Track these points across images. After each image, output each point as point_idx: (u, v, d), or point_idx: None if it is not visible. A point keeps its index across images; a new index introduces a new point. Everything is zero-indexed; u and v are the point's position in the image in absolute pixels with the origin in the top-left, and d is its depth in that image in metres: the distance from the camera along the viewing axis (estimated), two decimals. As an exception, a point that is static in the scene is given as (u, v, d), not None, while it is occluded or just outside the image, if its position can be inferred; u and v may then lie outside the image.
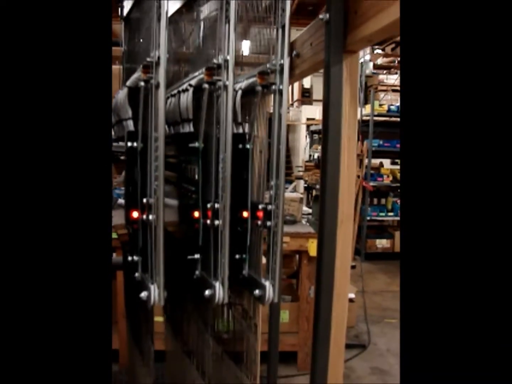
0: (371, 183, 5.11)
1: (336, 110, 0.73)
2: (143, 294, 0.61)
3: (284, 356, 2.53)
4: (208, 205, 0.62)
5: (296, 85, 8.68)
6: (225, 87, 0.68)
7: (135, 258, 0.68)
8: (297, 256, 3.48)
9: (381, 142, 5.15)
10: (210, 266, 0.64)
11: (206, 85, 0.68)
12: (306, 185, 6.57)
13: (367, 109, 5.19)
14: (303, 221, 2.69)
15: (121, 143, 1.16)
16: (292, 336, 2.73)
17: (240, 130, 0.68)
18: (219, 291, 0.61)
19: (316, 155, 6.73)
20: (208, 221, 0.63)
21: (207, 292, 0.61)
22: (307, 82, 9.07)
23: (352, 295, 3.41)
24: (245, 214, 0.66)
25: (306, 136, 7.82)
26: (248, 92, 0.72)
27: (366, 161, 5.05)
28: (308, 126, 7.61)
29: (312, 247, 2.43)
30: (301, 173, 6.58)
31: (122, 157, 1.04)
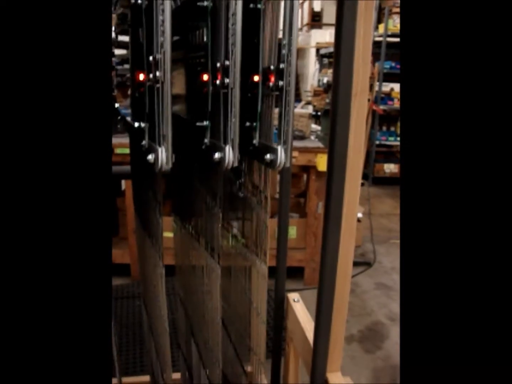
0: (381, 107, 5.01)
1: (349, 28, 0.67)
2: (150, 157, 0.59)
3: (291, 272, 2.58)
4: (218, 64, 0.59)
5: (306, 8, 8.35)
6: None
7: (142, 125, 0.66)
8: (305, 176, 3.48)
9: (393, 64, 5.01)
10: (219, 132, 0.62)
11: None
12: (314, 112, 6.46)
13: (380, 30, 5.00)
14: (312, 137, 2.65)
15: (125, 66, 1.11)
16: (299, 252, 2.77)
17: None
18: (228, 153, 0.59)
19: (325, 80, 6.57)
20: (218, 82, 0.60)
21: (216, 155, 0.59)
22: (317, 5, 8.71)
23: (359, 215, 3.44)
24: (256, 78, 0.63)
25: (315, 62, 7.60)
26: None
27: (377, 84, 4.93)
28: (317, 51, 7.38)
29: (320, 162, 2.40)
30: (309, 98, 6.46)
31: (127, 83, 1.01)
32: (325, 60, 7.03)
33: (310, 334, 0.99)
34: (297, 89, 8.06)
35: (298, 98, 6.46)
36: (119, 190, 3.25)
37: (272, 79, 0.60)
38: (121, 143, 2.54)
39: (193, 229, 0.84)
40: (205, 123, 0.65)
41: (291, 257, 2.67)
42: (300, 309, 1.11)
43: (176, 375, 1.20)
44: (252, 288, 0.77)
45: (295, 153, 2.38)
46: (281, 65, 0.58)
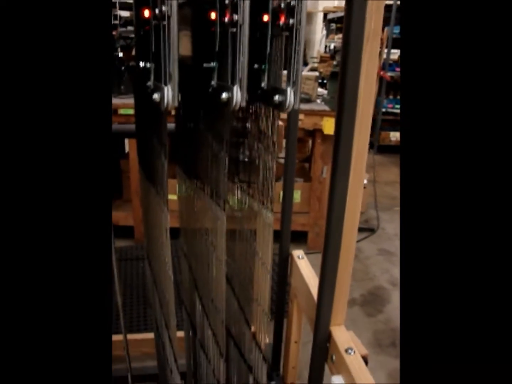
0: (389, 74, 4.93)
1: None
2: (156, 96, 0.57)
3: (295, 236, 2.58)
4: (226, 1, 0.57)
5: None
6: None
7: (148, 65, 0.64)
8: (310, 141, 3.45)
9: (402, 30, 4.89)
10: (227, 74, 0.60)
11: None
12: (321, 80, 6.36)
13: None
14: (318, 101, 2.61)
15: (129, 28, 1.08)
16: (303, 216, 2.76)
17: None
18: (236, 93, 0.57)
19: (332, 46, 6.46)
20: (226, 20, 0.57)
21: (223, 95, 0.58)
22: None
23: (364, 182, 3.42)
24: (265, 17, 0.60)
25: (322, 28, 7.46)
26: None
27: (385, 51, 4.84)
28: (325, 16, 7.23)
29: (326, 125, 2.38)
30: (316, 65, 6.36)
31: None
32: (333, 26, 6.90)
33: (314, 290, 0.99)
34: (304, 55, 7.93)
35: (304, 63, 6.36)
36: (123, 152, 3.24)
37: (283, 18, 0.58)
38: (124, 104, 2.52)
39: (198, 179, 0.83)
40: (212, 64, 0.63)
41: (295, 222, 2.66)
42: (305, 265, 1.11)
43: (180, 333, 1.21)
44: (257, 239, 0.76)
45: (301, 116, 2.35)
46: (292, 2, 0.56)
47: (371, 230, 3.23)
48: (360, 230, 3.33)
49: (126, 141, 3.16)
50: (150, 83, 0.63)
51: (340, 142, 0.73)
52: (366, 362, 0.83)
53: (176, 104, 0.56)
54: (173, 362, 0.89)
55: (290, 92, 0.58)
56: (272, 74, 0.63)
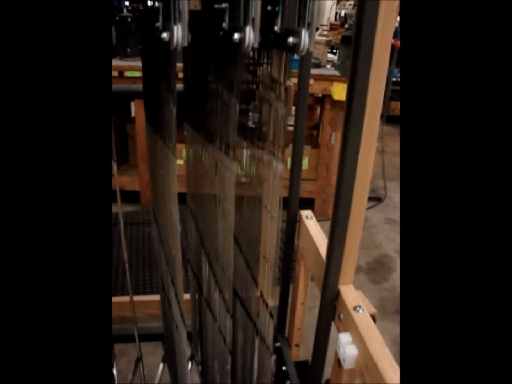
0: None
1: None
2: (165, 35, 0.54)
3: (301, 203, 2.56)
4: None
5: None
6: None
7: (156, 4, 0.61)
8: (319, 108, 3.41)
9: (415, -4, 4.78)
10: (239, 15, 0.57)
11: None
12: (331, 49, 6.25)
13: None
14: (328, 66, 2.56)
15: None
16: (310, 183, 2.74)
17: None
18: (249, 34, 0.54)
19: (343, 12, 6.32)
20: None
21: (235, 36, 0.55)
22: None
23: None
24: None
25: (333, -5, 7.29)
26: None
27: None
28: (336, -19, 7.05)
29: (336, 91, 2.33)
30: (325, 33, 6.23)
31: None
32: (344, -8, 6.73)
33: (323, 249, 0.97)
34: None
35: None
36: (129, 116, 3.21)
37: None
38: (131, 66, 2.48)
39: (206, 132, 0.81)
40: (224, 5, 0.60)
41: (302, 189, 2.63)
42: (313, 225, 1.09)
43: (186, 296, 1.21)
44: (266, 192, 0.74)
45: (310, 81, 2.30)
46: None
47: (378, 199, 3.21)
48: (367, 199, 3.31)
49: (132, 105, 3.13)
50: (158, 24, 0.60)
51: (352, 108, 0.70)
52: (374, 321, 0.82)
53: (186, 43, 0.54)
54: (179, 318, 0.89)
55: (304, 34, 0.55)
56: (286, 17, 0.60)
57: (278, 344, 1.34)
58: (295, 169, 1.18)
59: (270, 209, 0.74)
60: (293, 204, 1.22)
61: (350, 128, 0.71)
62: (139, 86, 1.46)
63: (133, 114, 3.10)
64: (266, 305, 0.84)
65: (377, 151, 2.99)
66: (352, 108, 0.70)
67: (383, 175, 3.58)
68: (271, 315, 0.84)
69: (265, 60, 0.67)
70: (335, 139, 2.54)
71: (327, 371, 1.00)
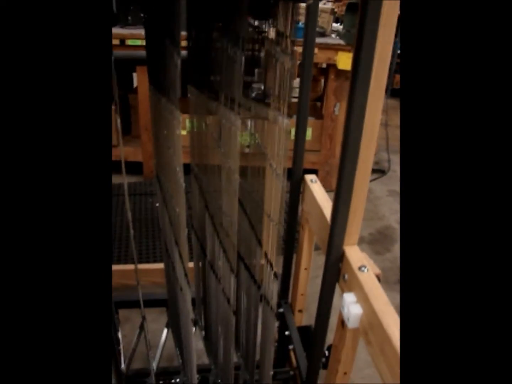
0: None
1: None
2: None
3: (305, 174, 2.55)
4: None
5: None
6: None
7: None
8: (323, 80, 3.37)
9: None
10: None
11: None
12: (335, 21, 6.15)
13: None
14: (333, 35, 2.52)
15: None
16: (313, 154, 2.73)
17: None
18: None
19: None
20: None
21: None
22: None
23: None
24: None
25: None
26: None
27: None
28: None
29: (341, 60, 2.30)
30: (330, 4, 6.13)
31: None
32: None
33: (328, 211, 0.97)
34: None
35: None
36: (131, 87, 3.18)
37: None
38: (132, 34, 2.45)
39: (211, 89, 0.79)
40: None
41: (305, 159, 2.61)
42: (318, 188, 1.09)
43: (190, 264, 1.21)
44: (271, 148, 0.73)
45: (314, 50, 2.27)
46: None
47: (382, 172, 3.20)
48: (371, 171, 3.30)
49: (135, 76, 3.10)
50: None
51: (357, 78, 0.69)
52: (379, 281, 0.81)
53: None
54: (183, 279, 0.88)
55: (313, -22, 0.53)
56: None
57: (281, 310, 1.35)
58: (299, 132, 1.17)
59: (275, 167, 0.73)
60: (297, 170, 1.21)
61: (355, 97, 0.70)
62: (141, 53, 1.44)
63: (135, 84, 3.07)
64: (271, 265, 0.84)
65: (381, 124, 2.97)
66: (358, 77, 0.68)
67: (387, 148, 3.56)
68: (275, 276, 0.83)
69: (271, 13, 0.66)
70: (339, 109, 2.51)
71: (329, 338, 1.00)
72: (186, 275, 0.85)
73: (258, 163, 0.85)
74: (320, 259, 1.98)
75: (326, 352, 1.07)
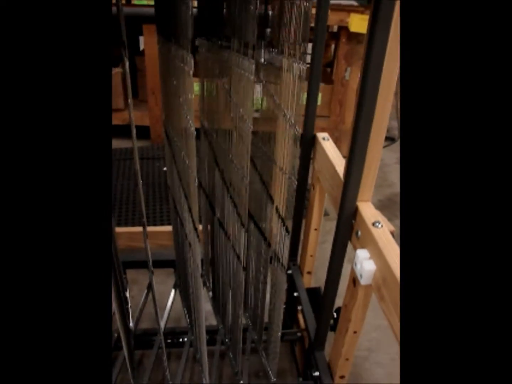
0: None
1: None
2: None
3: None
4: None
5: None
6: None
7: None
8: (333, 46, 3.30)
9: None
10: None
11: None
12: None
13: None
14: (345, -4, 2.44)
15: None
16: (323, 120, 2.69)
17: None
18: None
19: None
20: None
21: None
22: None
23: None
24: None
25: None
26: None
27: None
28: None
29: (353, 22, 2.23)
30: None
31: None
32: None
33: (340, 169, 0.94)
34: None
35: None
36: (137, 50, 3.13)
37: None
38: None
39: (222, 36, 0.76)
40: None
41: (315, 125, 2.58)
42: (330, 146, 1.06)
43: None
44: (285, 96, 0.71)
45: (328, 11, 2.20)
46: None
47: (392, 139, 3.16)
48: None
49: (141, 39, 3.04)
50: None
51: (374, 40, 0.65)
52: (393, 237, 0.79)
53: None
54: (192, 234, 0.87)
55: None
56: None
57: (289, 272, 1.34)
58: (312, 95, 1.15)
59: (289, 117, 0.71)
60: (309, 129, 1.19)
61: (370, 62, 0.67)
62: (148, 10, 1.39)
63: (141, 47, 3.02)
64: (282, 220, 0.82)
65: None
66: (374, 40, 0.65)
67: (397, 116, 3.51)
68: (287, 231, 0.82)
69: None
70: (350, 74, 2.46)
71: (337, 302, 0.99)
72: (195, 229, 0.83)
73: (270, 115, 0.82)
74: (328, 224, 1.96)
75: (335, 314, 1.06)
